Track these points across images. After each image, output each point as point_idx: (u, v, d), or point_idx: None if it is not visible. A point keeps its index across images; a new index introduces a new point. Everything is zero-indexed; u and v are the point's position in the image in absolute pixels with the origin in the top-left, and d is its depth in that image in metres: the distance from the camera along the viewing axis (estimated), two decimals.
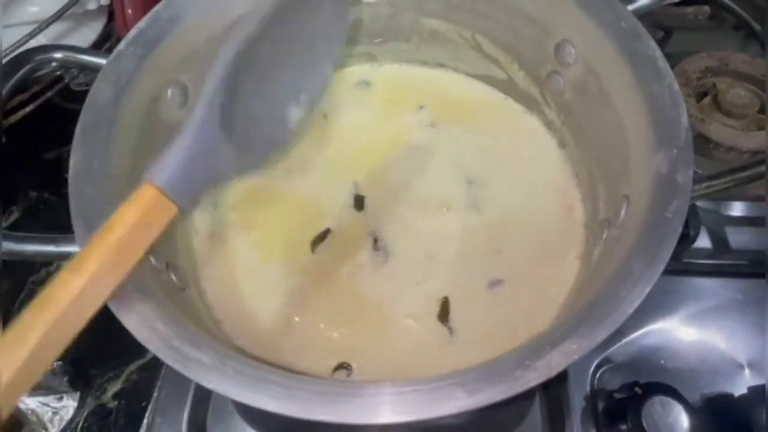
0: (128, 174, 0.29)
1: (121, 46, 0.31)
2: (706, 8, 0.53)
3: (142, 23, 0.32)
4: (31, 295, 0.46)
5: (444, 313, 0.31)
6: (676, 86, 0.27)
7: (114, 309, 0.23)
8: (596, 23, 0.30)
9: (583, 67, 0.33)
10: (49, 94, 0.48)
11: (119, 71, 0.30)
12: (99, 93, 0.29)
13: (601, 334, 0.20)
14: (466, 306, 0.32)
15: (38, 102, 0.48)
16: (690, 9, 0.53)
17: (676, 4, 0.34)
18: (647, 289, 0.21)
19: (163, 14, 0.32)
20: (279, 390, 0.20)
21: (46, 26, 0.44)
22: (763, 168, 0.24)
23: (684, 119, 0.26)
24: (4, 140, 0.48)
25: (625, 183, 0.28)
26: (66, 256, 0.25)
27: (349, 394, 0.21)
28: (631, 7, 0.31)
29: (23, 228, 0.51)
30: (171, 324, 0.22)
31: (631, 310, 0.21)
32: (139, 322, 0.22)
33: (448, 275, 0.33)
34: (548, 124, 0.39)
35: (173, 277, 0.30)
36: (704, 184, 0.25)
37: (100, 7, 0.49)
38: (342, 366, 0.30)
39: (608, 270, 0.24)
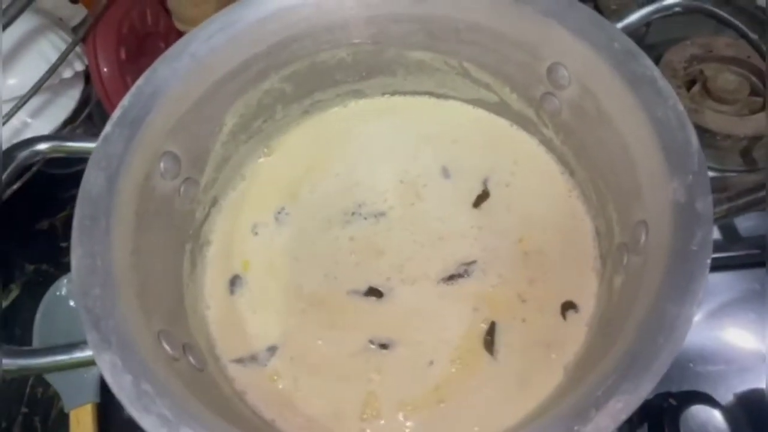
0: (131, 261, 0.28)
1: (108, 128, 0.30)
2: None
3: (125, 101, 0.31)
4: None
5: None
6: (681, 107, 0.26)
7: (138, 418, 0.22)
8: (588, 45, 0.30)
9: (578, 89, 0.32)
10: (34, 169, 0.47)
11: (109, 156, 0.29)
12: (91, 182, 0.28)
13: (646, 388, 0.20)
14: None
15: (25, 179, 0.47)
16: None
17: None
18: (686, 331, 0.21)
19: (145, 89, 0.31)
20: None
21: (24, 103, 0.42)
22: None
23: (694, 141, 0.25)
24: None
25: (640, 208, 0.28)
26: (82, 364, 0.24)
27: None
28: (620, 25, 0.30)
29: (25, 305, 0.50)
30: (200, 428, 0.21)
31: (672, 358, 0.20)
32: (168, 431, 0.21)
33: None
34: (547, 143, 0.39)
35: (191, 360, 0.29)
36: (725, 206, 0.24)
37: (76, 74, 0.48)
38: None
39: (639, 305, 0.24)
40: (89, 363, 0.24)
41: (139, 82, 0.31)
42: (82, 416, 0.42)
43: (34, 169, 0.47)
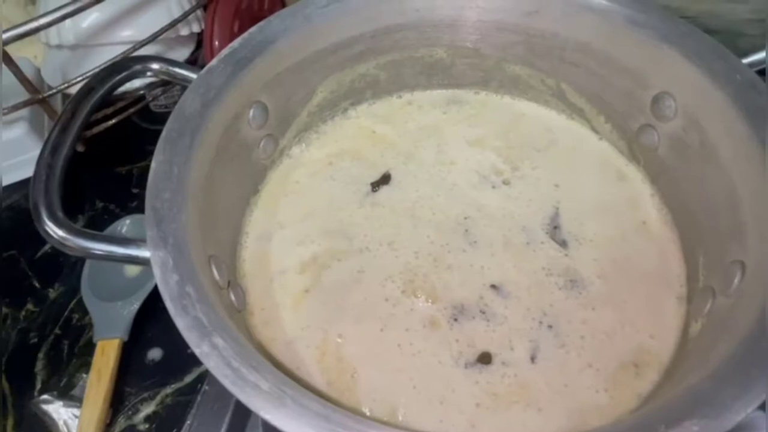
0: (203, 183, 0.29)
1: (213, 62, 0.31)
2: None
3: (235, 43, 0.32)
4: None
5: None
6: None
7: (174, 316, 0.21)
8: (706, 74, 0.28)
9: (683, 122, 0.31)
10: (131, 110, 0.50)
11: (208, 85, 0.30)
12: (187, 103, 0.29)
13: (731, 418, 0.17)
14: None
15: (121, 117, 0.50)
16: None
17: None
18: None
19: (256, 36, 0.33)
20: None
21: (141, 46, 0.46)
22: None
23: None
24: (83, 149, 0.50)
25: (738, 247, 0.25)
26: (133, 260, 0.24)
27: None
28: (745, 61, 0.29)
29: None
30: (231, 342, 0.21)
31: (762, 398, 0.17)
32: (200, 335, 0.21)
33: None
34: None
35: (232, 297, 0.29)
36: None
37: (191, 35, 0.51)
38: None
39: (725, 341, 0.21)
40: (140, 261, 0.24)
41: (253, 29, 0.33)
42: (108, 348, 0.42)
43: (131, 110, 0.51)
